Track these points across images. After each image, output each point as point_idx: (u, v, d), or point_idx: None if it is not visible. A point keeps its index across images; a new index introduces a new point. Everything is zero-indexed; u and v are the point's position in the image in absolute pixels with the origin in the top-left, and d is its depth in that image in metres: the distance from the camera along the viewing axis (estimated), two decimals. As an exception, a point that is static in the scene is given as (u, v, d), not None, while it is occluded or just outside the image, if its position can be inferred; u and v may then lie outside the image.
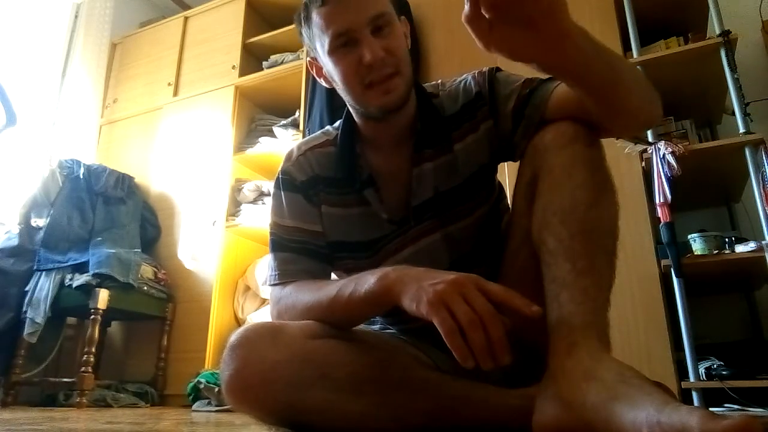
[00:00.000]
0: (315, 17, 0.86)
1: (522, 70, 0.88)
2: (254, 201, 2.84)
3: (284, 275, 0.92)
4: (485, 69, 0.96)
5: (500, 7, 0.57)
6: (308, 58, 0.96)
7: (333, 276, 1.01)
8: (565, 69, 0.69)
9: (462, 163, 0.93)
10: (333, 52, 0.86)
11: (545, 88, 0.86)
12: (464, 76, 0.98)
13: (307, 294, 0.85)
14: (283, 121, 2.93)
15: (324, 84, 0.96)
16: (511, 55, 0.61)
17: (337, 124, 1.02)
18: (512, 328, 0.65)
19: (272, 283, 0.93)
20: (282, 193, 0.97)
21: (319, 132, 1.04)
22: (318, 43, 0.88)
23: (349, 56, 0.85)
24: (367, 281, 0.76)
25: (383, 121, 0.91)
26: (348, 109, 0.97)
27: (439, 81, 1.01)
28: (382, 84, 0.85)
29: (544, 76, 0.87)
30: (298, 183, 0.97)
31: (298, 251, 0.94)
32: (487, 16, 0.58)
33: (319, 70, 0.94)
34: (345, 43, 0.85)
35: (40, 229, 2.61)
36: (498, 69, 0.95)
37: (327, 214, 0.96)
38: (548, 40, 0.61)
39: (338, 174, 0.96)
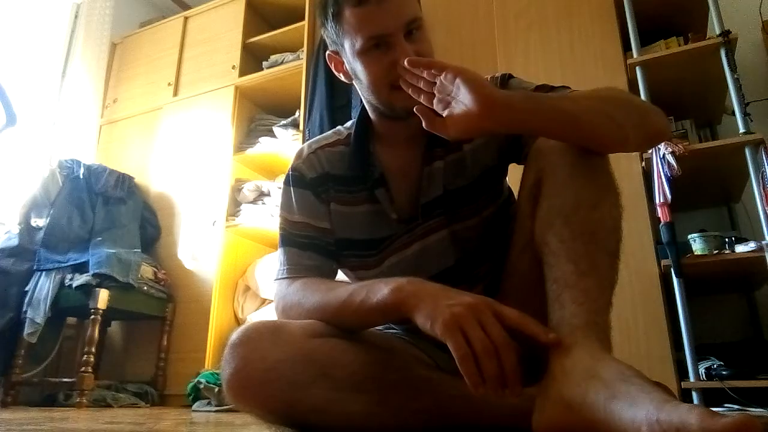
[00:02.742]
0: (348, 15, 0.85)
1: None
2: (254, 201, 2.84)
3: (292, 270, 0.92)
4: (498, 74, 0.96)
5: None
6: (328, 52, 0.96)
7: (339, 273, 1.02)
8: (517, 128, 0.78)
9: (471, 163, 0.95)
10: (365, 53, 0.86)
11: (558, 93, 0.87)
12: None
13: (316, 294, 0.85)
14: (283, 121, 2.93)
15: (343, 78, 0.96)
16: (464, 134, 0.74)
17: (348, 124, 1.03)
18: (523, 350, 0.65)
19: (280, 277, 0.93)
20: (291, 189, 0.98)
21: (330, 132, 1.05)
22: (347, 41, 0.88)
23: (381, 59, 0.85)
24: (379, 290, 0.75)
25: (402, 120, 0.91)
26: (362, 108, 0.98)
27: None
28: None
29: (557, 84, 0.89)
30: (307, 180, 0.97)
31: (306, 246, 0.94)
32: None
33: (339, 64, 0.94)
34: (377, 45, 0.85)
35: (40, 229, 2.61)
36: (511, 75, 0.96)
37: (335, 212, 0.97)
38: (483, 112, 0.69)
39: (349, 172, 0.97)
